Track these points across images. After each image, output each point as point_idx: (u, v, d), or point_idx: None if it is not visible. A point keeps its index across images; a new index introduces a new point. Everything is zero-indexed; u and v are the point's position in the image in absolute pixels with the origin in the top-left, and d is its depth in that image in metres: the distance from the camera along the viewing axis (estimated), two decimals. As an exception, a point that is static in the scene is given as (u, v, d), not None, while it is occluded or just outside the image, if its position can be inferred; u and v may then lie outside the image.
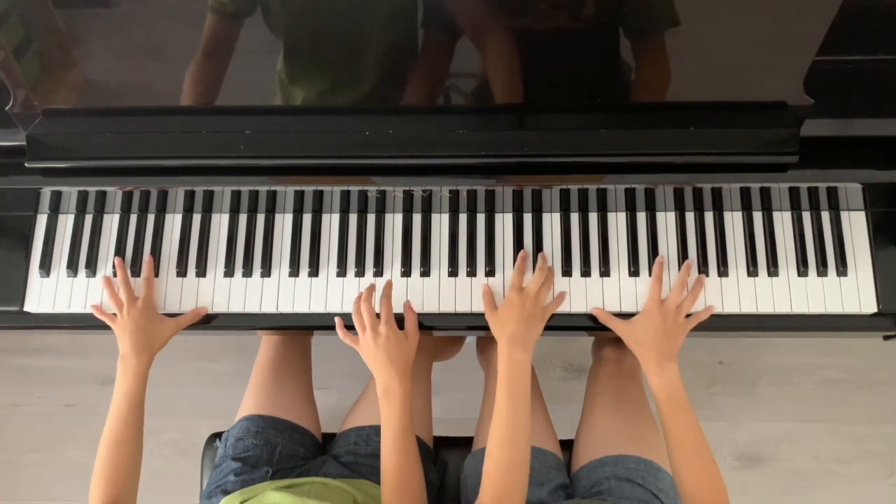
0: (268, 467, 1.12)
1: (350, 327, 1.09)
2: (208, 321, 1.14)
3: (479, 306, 1.11)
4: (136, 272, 1.15)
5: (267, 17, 0.93)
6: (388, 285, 1.10)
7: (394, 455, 1.00)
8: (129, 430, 1.04)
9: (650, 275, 1.11)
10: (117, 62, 0.97)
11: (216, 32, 0.94)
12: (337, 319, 1.10)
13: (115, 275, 1.14)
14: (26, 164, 1.03)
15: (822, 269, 1.10)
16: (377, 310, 1.08)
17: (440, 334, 1.14)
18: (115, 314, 1.11)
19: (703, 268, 1.11)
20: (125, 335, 1.08)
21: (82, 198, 1.16)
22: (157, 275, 1.14)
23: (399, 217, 1.15)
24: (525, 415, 1.00)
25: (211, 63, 0.97)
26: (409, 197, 1.14)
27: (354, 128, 1.01)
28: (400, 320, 1.08)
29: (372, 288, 1.10)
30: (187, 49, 0.96)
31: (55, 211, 1.17)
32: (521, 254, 1.10)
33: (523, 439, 0.98)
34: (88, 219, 1.17)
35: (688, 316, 1.07)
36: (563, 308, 1.10)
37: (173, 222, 1.17)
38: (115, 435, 1.03)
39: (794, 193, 1.11)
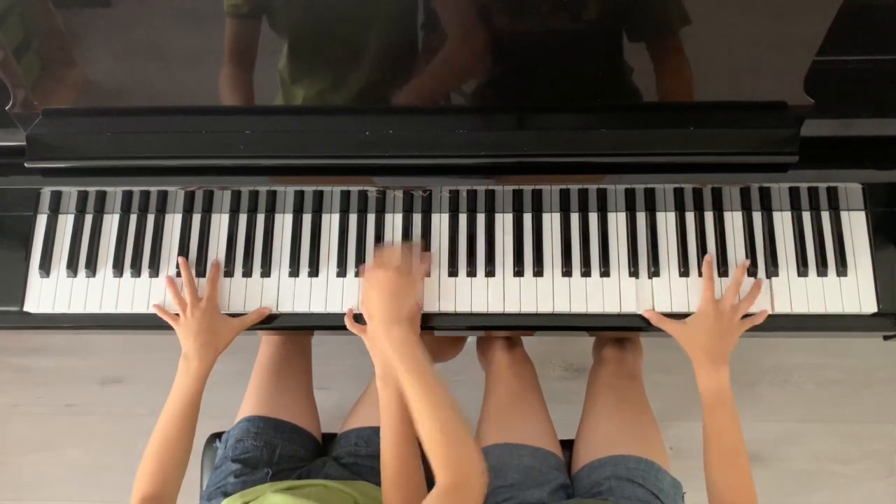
0: (268, 468, 1.12)
1: (358, 319, 1.09)
2: (271, 321, 1.13)
3: (479, 306, 1.11)
4: (135, 272, 1.15)
5: (271, 17, 0.93)
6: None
7: (393, 441, 0.99)
8: (181, 429, 1.03)
9: (649, 276, 1.11)
10: (117, 62, 0.97)
11: (234, 35, 0.94)
12: (348, 310, 1.10)
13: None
14: (26, 164, 1.03)
15: (821, 270, 1.10)
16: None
17: (441, 334, 1.13)
18: (177, 314, 1.10)
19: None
20: (189, 335, 1.07)
21: (82, 198, 1.16)
22: (156, 275, 1.14)
23: (399, 217, 1.15)
24: None
25: (216, 64, 0.97)
26: (409, 197, 1.14)
27: (354, 128, 1.01)
28: None
29: None
30: (187, 49, 0.96)
31: (55, 211, 1.17)
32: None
33: (445, 412, 0.92)
34: (88, 219, 1.17)
35: (744, 318, 1.07)
36: (563, 308, 1.10)
37: (173, 222, 1.17)
38: (167, 432, 1.02)
39: (794, 193, 1.11)
